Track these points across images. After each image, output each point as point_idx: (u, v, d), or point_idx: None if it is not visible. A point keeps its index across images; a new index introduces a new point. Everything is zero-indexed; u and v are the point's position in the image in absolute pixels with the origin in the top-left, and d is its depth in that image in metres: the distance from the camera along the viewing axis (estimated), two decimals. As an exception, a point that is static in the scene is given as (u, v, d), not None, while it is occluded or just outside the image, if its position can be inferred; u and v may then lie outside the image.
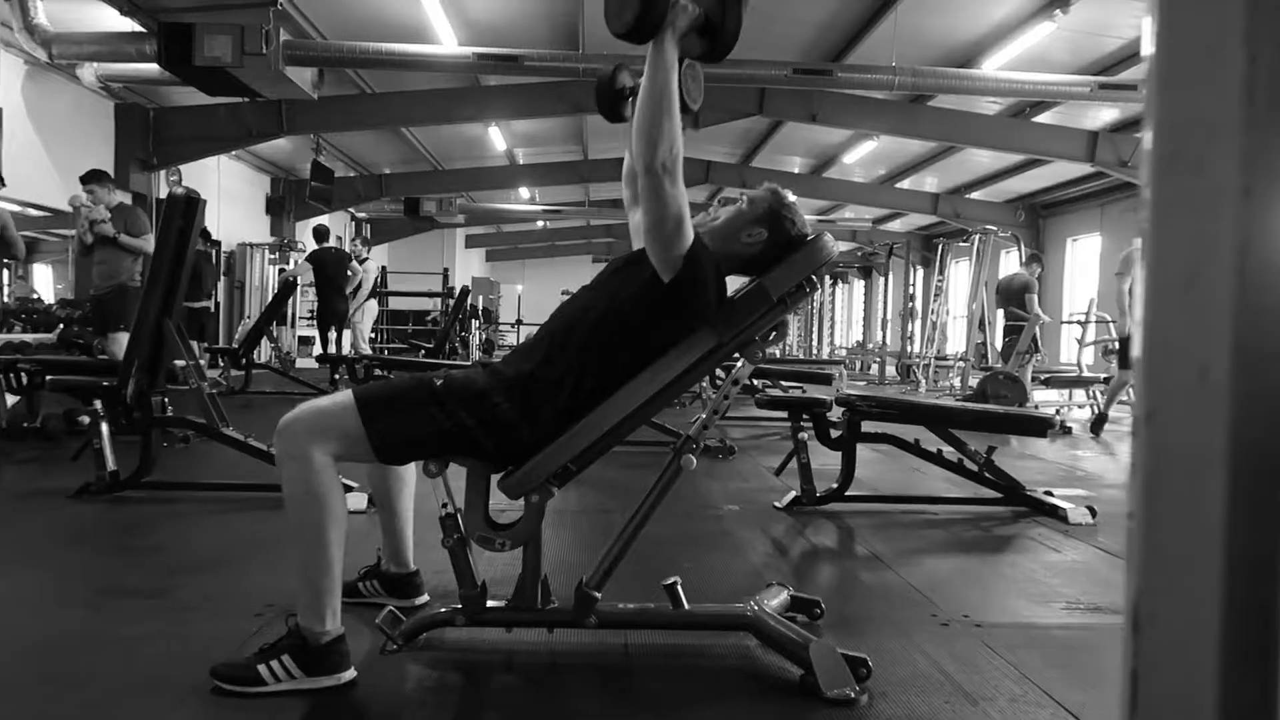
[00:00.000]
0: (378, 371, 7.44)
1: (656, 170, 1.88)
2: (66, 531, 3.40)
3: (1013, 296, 9.43)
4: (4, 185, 7.17)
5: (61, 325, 8.40)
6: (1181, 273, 0.47)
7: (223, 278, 12.30)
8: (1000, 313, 9.88)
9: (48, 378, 4.62)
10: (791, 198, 2.25)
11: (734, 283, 2.25)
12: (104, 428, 3.93)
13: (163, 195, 10.12)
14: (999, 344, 10.12)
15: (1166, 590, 0.46)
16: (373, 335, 11.87)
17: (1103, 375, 9.95)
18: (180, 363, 4.04)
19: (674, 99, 1.88)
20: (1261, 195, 0.44)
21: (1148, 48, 0.48)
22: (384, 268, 18.53)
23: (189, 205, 4.08)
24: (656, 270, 2.02)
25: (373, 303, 11.96)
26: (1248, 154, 0.45)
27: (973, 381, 10.32)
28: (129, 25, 8.67)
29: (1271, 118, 0.44)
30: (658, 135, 1.86)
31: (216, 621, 2.34)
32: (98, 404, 3.94)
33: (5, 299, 9.31)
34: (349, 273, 9.94)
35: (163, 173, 11.11)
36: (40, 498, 3.85)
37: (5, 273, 10.33)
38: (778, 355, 14.97)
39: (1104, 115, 11.78)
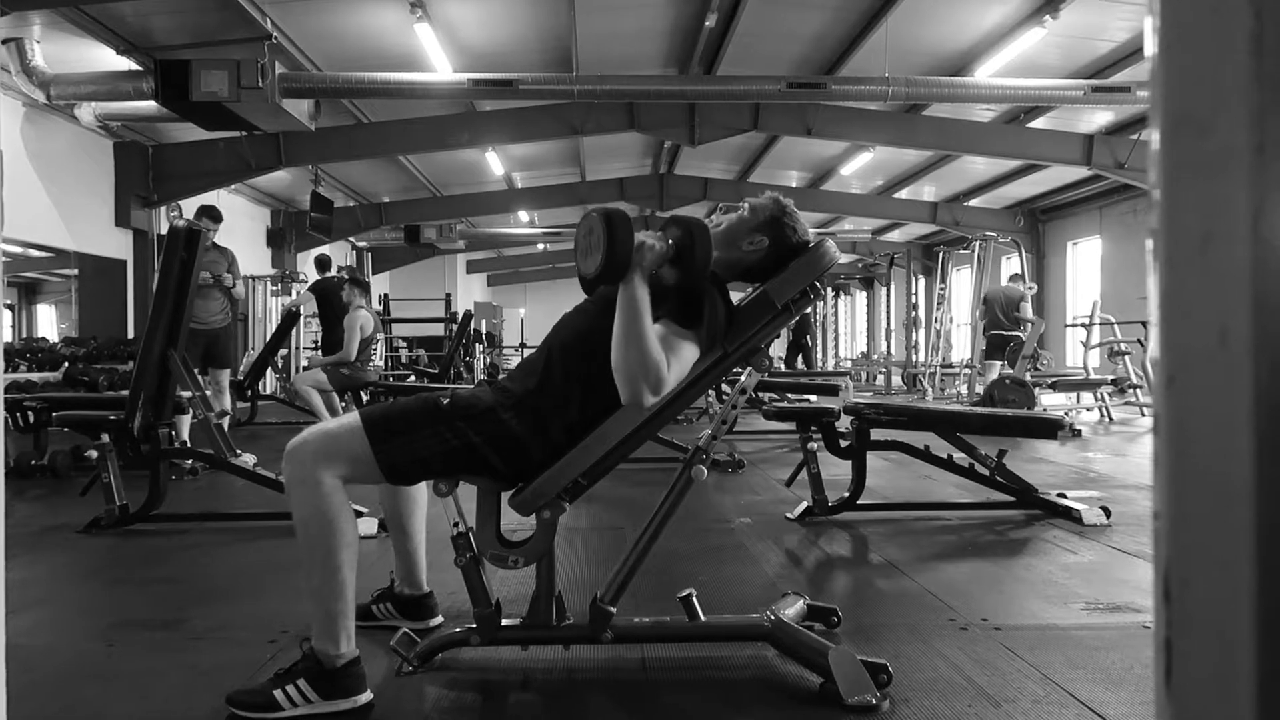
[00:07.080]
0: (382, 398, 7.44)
1: (642, 403, 1.88)
2: (78, 566, 3.39)
3: (1009, 305, 9.56)
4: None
5: (66, 363, 8.44)
6: (1196, 234, 0.46)
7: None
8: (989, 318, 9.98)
9: (54, 414, 4.62)
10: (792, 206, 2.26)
11: (735, 291, 2.25)
12: (112, 462, 3.93)
13: (163, 231, 10.14)
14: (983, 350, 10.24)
15: (1198, 555, 0.45)
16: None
17: (1109, 377, 9.92)
18: (186, 394, 4.05)
19: (646, 333, 1.87)
20: (1274, 152, 0.44)
21: (1151, 10, 0.48)
22: (385, 295, 18.52)
23: (190, 237, 4.10)
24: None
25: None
26: (1258, 111, 0.44)
27: (979, 387, 10.29)
28: (126, 64, 8.76)
29: (1281, 73, 0.44)
30: (638, 374, 1.85)
31: (230, 650, 2.33)
32: (105, 438, 3.94)
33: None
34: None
35: (163, 208, 11.16)
36: (50, 533, 3.84)
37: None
38: (783, 368, 14.97)
39: (1099, 118, 11.80)
